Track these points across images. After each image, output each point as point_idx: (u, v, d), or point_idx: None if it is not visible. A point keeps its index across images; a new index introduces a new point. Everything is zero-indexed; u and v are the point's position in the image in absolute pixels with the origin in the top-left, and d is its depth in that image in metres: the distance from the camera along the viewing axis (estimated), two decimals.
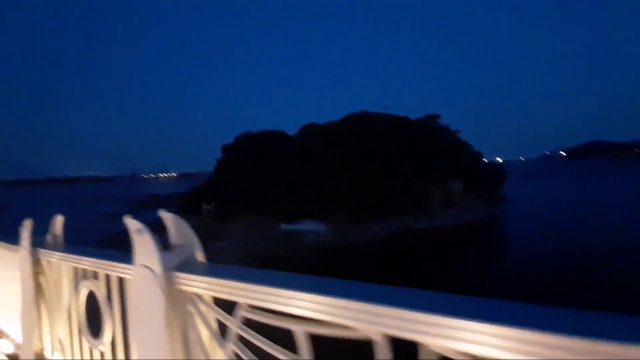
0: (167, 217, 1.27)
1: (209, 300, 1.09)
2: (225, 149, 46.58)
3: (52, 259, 1.88)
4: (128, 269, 1.31)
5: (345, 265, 21.25)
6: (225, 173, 42.15)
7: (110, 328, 1.50)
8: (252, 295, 0.90)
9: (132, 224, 1.21)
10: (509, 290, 17.63)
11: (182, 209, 42.67)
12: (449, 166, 40.74)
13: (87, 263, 1.59)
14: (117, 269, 1.41)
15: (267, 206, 33.36)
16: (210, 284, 1.02)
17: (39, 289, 1.98)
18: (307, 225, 30.18)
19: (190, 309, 1.12)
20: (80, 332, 1.72)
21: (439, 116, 56.51)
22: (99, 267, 1.53)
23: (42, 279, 1.98)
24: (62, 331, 1.88)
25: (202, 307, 1.09)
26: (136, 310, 1.23)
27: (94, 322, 1.60)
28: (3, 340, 2.56)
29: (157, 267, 1.11)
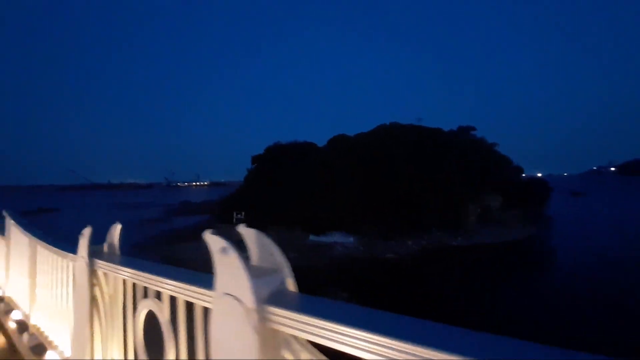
0: (248, 233, 1.07)
1: (305, 343, 0.88)
2: (255, 159, 47.48)
3: (110, 272, 1.75)
4: (205, 295, 1.09)
5: (376, 281, 20.32)
6: (255, 182, 42.81)
7: (172, 356, 1.28)
8: (372, 347, 0.70)
9: (214, 242, 1.01)
10: (550, 317, 15.93)
11: (214, 217, 43.73)
12: (486, 180, 38.60)
13: (152, 281, 1.40)
14: (190, 293, 1.18)
15: (296, 216, 33.22)
16: (310, 324, 0.80)
17: (93, 301, 1.84)
18: (336, 238, 29.55)
19: (287, 354, 0.88)
20: (136, 355, 1.52)
21: (473, 128, 54.28)
22: (164, 288, 1.33)
23: (97, 292, 1.84)
24: (116, 351, 1.74)
25: (302, 355, 0.87)
26: (217, 347, 0.99)
27: (150, 345, 1.43)
28: (51, 352, 2.39)
29: (248, 298, 0.89)
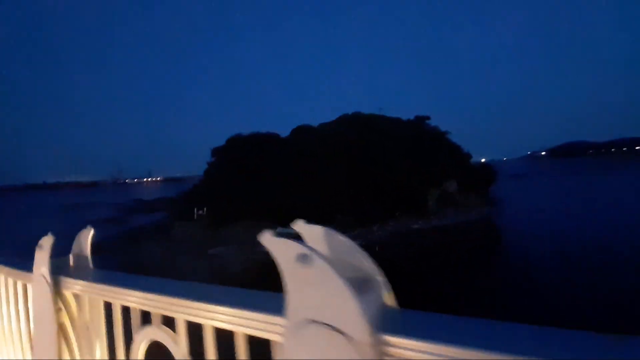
0: (311, 232, 0.75)
1: None
2: (215, 151, 45.44)
3: (83, 293, 1.29)
4: (268, 323, 0.74)
5: None
6: (216, 176, 41.04)
7: None
8: None
9: (284, 247, 0.67)
10: (512, 291, 17.50)
11: (174, 215, 41.34)
12: (443, 167, 40.93)
13: (152, 303, 1.00)
14: (237, 320, 0.80)
15: (262, 209, 32.55)
16: (432, 352, 0.58)
17: (61, 333, 1.40)
18: None
19: None
20: None
21: (428, 117, 57.02)
22: (176, 311, 0.93)
23: (64, 319, 1.40)
24: None
25: None
26: None
27: None
28: None
29: (354, 326, 0.62)
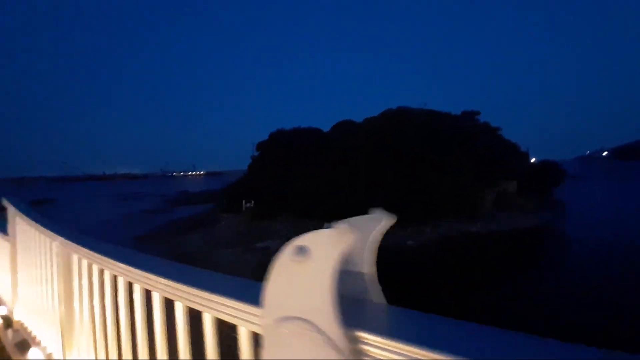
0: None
1: None
2: (260, 146, 45.76)
3: (95, 262, 1.54)
4: (243, 311, 0.84)
5: (406, 272, 19.29)
6: (260, 170, 41.24)
7: None
8: None
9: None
10: (577, 302, 15.14)
11: (219, 207, 42.28)
12: (500, 165, 37.59)
13: (154, 283, 1.15)
14: (222, 308, 0.90)
15: (307, 205, 31.95)
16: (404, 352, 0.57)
17: (77, 293, 1.68)
18: None
19: None
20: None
21: (478, 113, 52.83)
22: (172, 293, 1.07)
23: (77, 283, 1.69)
24: (103, 351, 1.51)
25: None
26: None
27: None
28: (34, 350, 2.13)
29: (329, 323, 0.62)
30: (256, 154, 46.52)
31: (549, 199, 40.81)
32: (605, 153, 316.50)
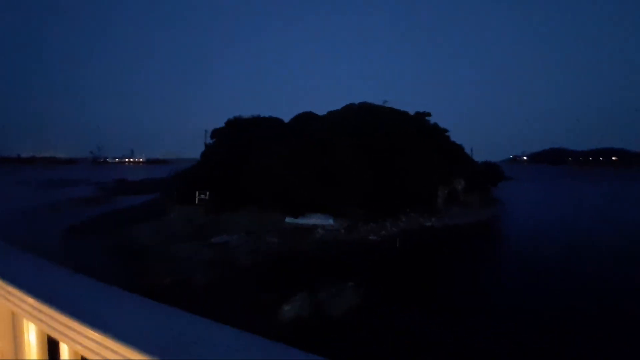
0: None
1: None
2: (215, 133, 42.79)
3: None
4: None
5: (370, 265, 19.29)
6: (216, 159, 38.51)
7: None
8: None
9: None
10: (530, 285, 16.66)
11: (167, 197, 38.64)
12: (451, 165, 40.00)
13: None
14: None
15: (267, 197, 30.57)
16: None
17: None
18: (315, 220, 27.82)
19: None
20: None
21: (429, 114, 55.92)
22: None
23: None
24: None
25: None
26: None
27: None
28: None
29: None
30: (210, 141, 43.48)
31: (490, 196, 44.73)
32: (525, 157, 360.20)
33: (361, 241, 24.43)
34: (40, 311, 0.76)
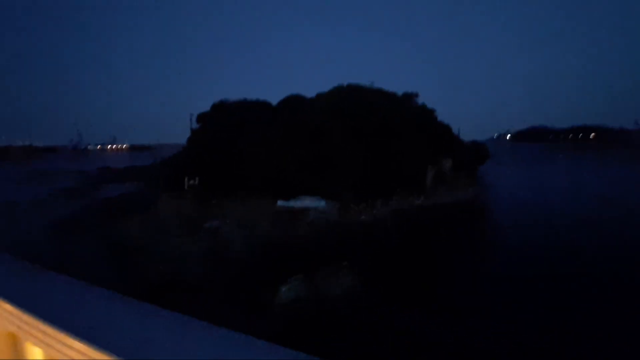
0: None
1: None
2: (201, 117, 41.78)
3: None
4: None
5: (364, 244, 19.75)
6: (203, 144, 37.80)
7: None
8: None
9: None
10: (515, 260, 17.50)
11: (153, 185, 37.97)
12: (439, 145, 40.52)
13: None
14: None
15: (257, 181, 30.46)
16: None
17: None
18: (307, 202, 28.00)
19: None
20: None
21: (417, 94, 55.89)
22: None
23: None
24: None
25: None
26: None
27: None
28: None
29: None
30: (196, 126, 42.49)
31: (476, 175, 45.82)
32: (508, 136, 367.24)
33: (353, 222, 24.83)
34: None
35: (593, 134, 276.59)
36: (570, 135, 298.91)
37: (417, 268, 16.78)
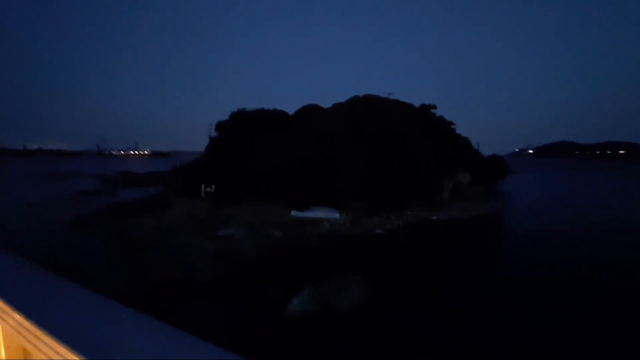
0: None
1: None
2: (220, 125, 42.55)
3: None
4: None
5: (376, 258, 19.19)
6: (220, 152, 38.38)
7: None
8: None
9: None
10: (537, 279, 16.50)
11: (171, 190, 38.66)
12: (457, 158, 39.59)
13: None
14: None
15: (272, 190, 30.46)
16: None
17: None
18: (320, 213, 27.70)
19: None
20: None
21: (434, 106, 55.17)
22: None
23: None
24: None
25: None
26: None
27: None
28: None
29: None
30: (215, 134, 43.26)
31: (496, 189, 44.34)
32: (530, 151, 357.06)
33: (367, 235, 24.29)
34: None
35: (622, 150, 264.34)
36: (598, 151, 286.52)
37: (430, 285, 16.09)
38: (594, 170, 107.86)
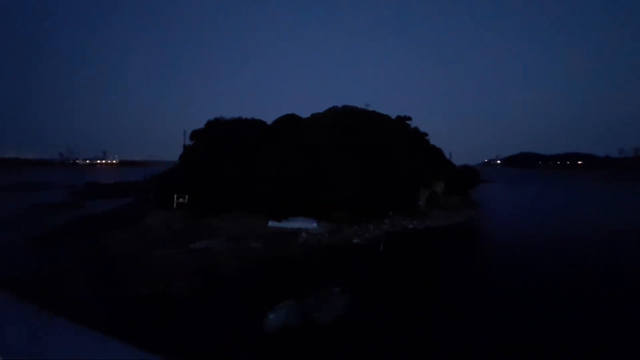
0: None
1: None
2: (195, 134, 41.55)
3: None
4: None
5: (355, 269, 19.18)
6: (196, 161, 37.38)
7: None
8: None
9: None
10: (519, 286, 17.10)
11: (143, 201, 37.08)
12: (432, 169, 40.78)
13: None
14: None
15: (250, 201, 29.92)
16: None
17: None
18: (299, 223, 27.46)
19: None
20: None
21: (409, 118, 57.01)
22: None
23: None
24: None
25: None
26: None
27: None
28: None
29: None
30: (190, 143, 42.18)
31: (469, 198, 45.97)
32: (499, 161, 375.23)
33: (345, 245, 24.29)
34: None
35: (580, 161, 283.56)
36: (558, 162, 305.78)
37: (409, 296, 16.22)
38: (562, 180, 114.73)
